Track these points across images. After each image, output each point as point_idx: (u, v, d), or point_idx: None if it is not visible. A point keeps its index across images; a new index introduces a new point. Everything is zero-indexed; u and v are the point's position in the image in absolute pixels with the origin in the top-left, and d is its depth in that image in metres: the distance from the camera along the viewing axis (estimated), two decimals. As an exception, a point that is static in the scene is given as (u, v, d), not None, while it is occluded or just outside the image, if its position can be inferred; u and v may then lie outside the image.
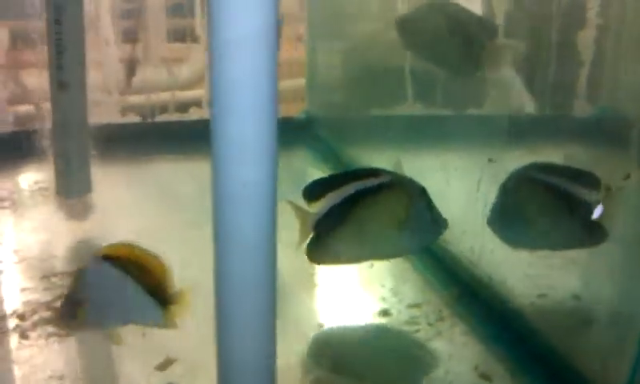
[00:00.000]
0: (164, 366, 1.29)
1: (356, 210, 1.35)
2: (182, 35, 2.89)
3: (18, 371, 1.28)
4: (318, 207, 1.37)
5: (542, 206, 1.33)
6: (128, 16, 2.75)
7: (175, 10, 2.87)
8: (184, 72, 2.81)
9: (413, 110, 2.33)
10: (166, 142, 2.49)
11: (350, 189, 1.36)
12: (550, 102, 1.97)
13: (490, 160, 1.63)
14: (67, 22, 1.71)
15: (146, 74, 2.68)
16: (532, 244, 1.35)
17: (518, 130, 1.69)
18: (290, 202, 1.37)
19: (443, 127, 2.07)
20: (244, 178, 0.91)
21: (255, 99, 0.88)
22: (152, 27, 2.78)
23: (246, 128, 0.89)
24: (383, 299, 1.54)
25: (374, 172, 1.39)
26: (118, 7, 2.68)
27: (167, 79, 2.70)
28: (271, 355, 1.01)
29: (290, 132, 2.58)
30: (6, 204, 1.98)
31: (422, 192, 1.35)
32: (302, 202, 1.32)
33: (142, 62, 2.70)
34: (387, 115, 2.39)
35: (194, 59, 2.86)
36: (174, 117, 2.64)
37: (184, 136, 2.43)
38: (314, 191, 1.37)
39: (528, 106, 2.06)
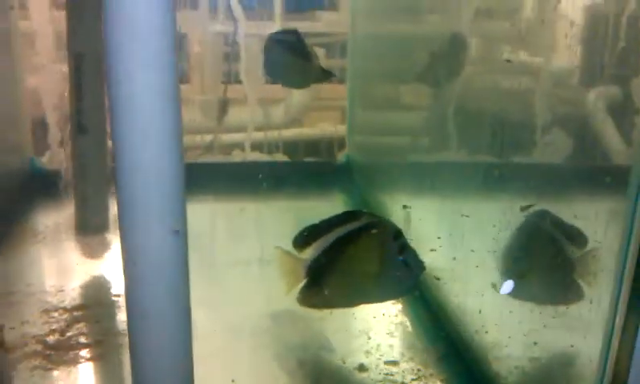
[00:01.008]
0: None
1: (340, 255, 1.35)
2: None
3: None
4: (308, 254, 1.38)
5: (547, 259, 1.30)
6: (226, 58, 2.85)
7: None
8: (279, 112, 2.87)
9: (457, 157, 2.27)
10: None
11: (334, 234, 1.36)
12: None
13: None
14: (87, 68, 1.80)
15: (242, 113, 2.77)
16: (529, 296, 1.31)
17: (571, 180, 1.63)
18: (279, 248, 1.39)
19: (488, 175, 2.01)
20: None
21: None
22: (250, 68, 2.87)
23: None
24: (366, 352, 1.50)
25: (357, 215, 1.38)
26: (219, 50, 2.79)
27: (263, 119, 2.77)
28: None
29: (329, 176, 2.62)
30: (39, 238, 2.09)
31: (397, 234, 1.32)
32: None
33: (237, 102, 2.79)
34: (426, 162, 2.35)
35: (290, 100, 2.92)
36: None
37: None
38: (301, 239, 1.38)
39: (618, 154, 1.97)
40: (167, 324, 0.96)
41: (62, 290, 1.76)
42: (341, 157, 2.70)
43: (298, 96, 2.91)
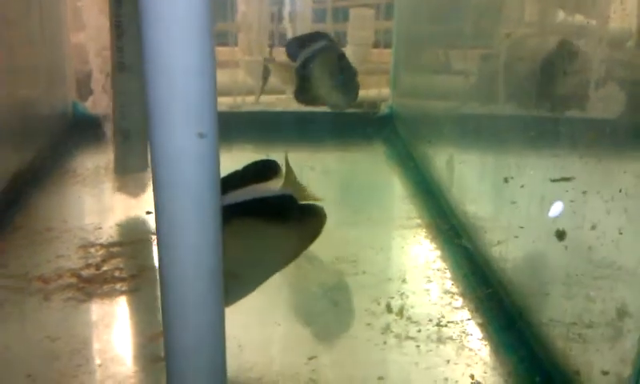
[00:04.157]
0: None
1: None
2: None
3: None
4: None
5: None
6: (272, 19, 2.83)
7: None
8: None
9: (503, 110, 2.21)
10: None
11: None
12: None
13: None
14: (127, 4, 1.77)
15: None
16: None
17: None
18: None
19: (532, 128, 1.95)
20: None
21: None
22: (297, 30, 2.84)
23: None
24: (403, 293, 1.46)
25: None
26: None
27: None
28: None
29: (372, 126, 2.56)
30: (79, 178, 2.11)
31: None
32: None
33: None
34: (470, 114, 2.29)
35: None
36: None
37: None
38: None
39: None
40: (193, 230, 0.92)
41: (99, 228, 1.76)
42: (384, 108, 2.65)
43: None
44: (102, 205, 1.94)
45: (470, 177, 1.82)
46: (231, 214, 1.02)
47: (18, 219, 1.81)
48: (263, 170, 1.23)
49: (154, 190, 0.89)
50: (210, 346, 0.99)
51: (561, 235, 1.13)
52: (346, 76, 1.82)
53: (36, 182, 2.02)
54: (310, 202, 1.22)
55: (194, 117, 0.84)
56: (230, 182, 1.15)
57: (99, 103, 2.49)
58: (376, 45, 2.90)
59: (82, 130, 2.42)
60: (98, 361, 1.24)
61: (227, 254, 1.00)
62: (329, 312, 1.42)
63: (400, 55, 2.64)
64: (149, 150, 0.88)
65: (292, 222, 1.15)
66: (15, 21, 2.00)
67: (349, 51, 2.83)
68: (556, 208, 1.12)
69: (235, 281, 1.10)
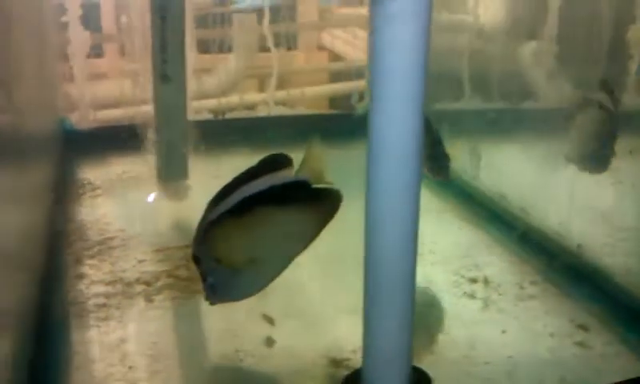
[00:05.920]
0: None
1: None
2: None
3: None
4: None
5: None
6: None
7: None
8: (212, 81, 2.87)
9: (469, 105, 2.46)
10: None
11: None
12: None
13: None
14: (171, 18, 1.85)
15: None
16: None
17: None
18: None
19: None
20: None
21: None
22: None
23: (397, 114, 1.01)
24: (475, 266, 1.67)
25: None
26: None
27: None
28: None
29: (350, 126, 2.74)
30: (98, 191, 2.13)
31: None
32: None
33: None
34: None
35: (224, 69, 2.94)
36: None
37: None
38: None
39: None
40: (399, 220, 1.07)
41: (160, 233, 1.82)
42: (360, 108, 2.84)
43: (232, 64, 2.93)
44: (141, 212, 1.98)
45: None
46: (249, 205, 1.17)
47: (66, 232, 1.82)
48: (274, 163, 1.30)
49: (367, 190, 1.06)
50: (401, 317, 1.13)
51: None
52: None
53: (56, 195, 2.02)
54: (326, 186, 1.24)
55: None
56: (245, 177, 1.23)
57: (85, 118, 2.51)
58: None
59: (73, 143, 2.42)
60: (242, 345, 1.36)
61: (247, 243, 1.17)
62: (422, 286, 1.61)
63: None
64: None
65: (305, 205, 1.21)
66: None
67: (233, 57, 2.90)
68: None
69: (257, 267, 1.20)
